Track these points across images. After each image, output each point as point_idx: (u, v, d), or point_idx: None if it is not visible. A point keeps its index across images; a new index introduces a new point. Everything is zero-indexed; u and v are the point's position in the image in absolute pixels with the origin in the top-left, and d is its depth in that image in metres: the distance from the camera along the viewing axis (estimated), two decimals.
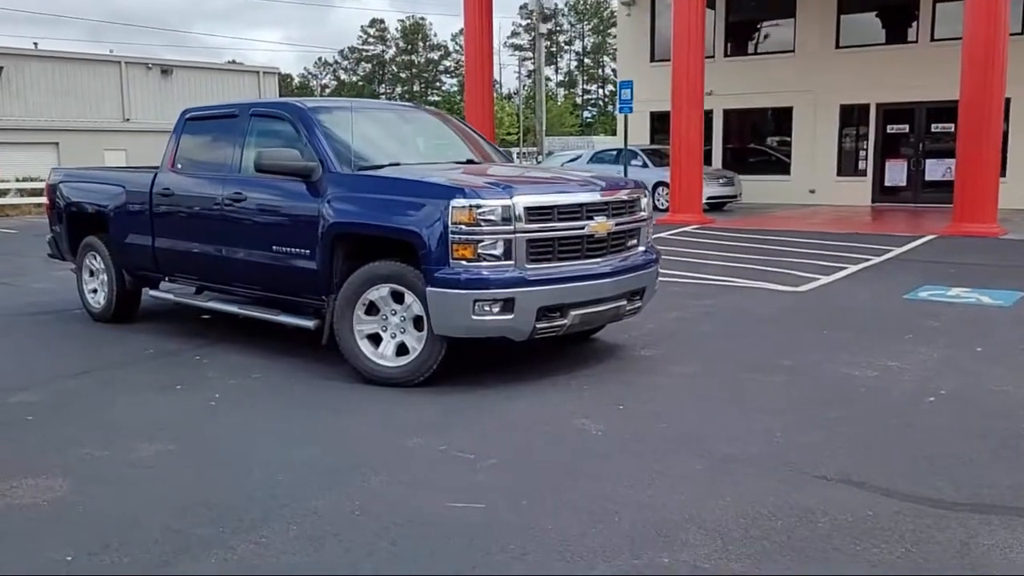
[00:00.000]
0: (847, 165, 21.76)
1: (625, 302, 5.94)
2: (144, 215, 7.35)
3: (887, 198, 21.19)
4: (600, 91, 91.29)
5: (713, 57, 21.98)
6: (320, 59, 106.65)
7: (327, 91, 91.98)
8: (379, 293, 5.59)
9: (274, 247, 6.23)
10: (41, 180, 29.67)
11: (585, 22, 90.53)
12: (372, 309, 5.67)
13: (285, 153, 6.00)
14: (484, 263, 5.22)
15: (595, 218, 5.65)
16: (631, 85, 18.48)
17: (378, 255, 5.70)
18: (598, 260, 5.72)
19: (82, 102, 36.88)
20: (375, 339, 5.69)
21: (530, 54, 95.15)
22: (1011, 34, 14.74)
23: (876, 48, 20.99)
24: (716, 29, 22.45)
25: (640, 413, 5.02)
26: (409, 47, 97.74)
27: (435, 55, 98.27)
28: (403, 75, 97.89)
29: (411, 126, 7.26)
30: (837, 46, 21.40)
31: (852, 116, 21.63)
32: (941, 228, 14.89)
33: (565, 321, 5.53)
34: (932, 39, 20.13)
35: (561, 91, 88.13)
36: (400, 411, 5.10)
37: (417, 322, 5.53)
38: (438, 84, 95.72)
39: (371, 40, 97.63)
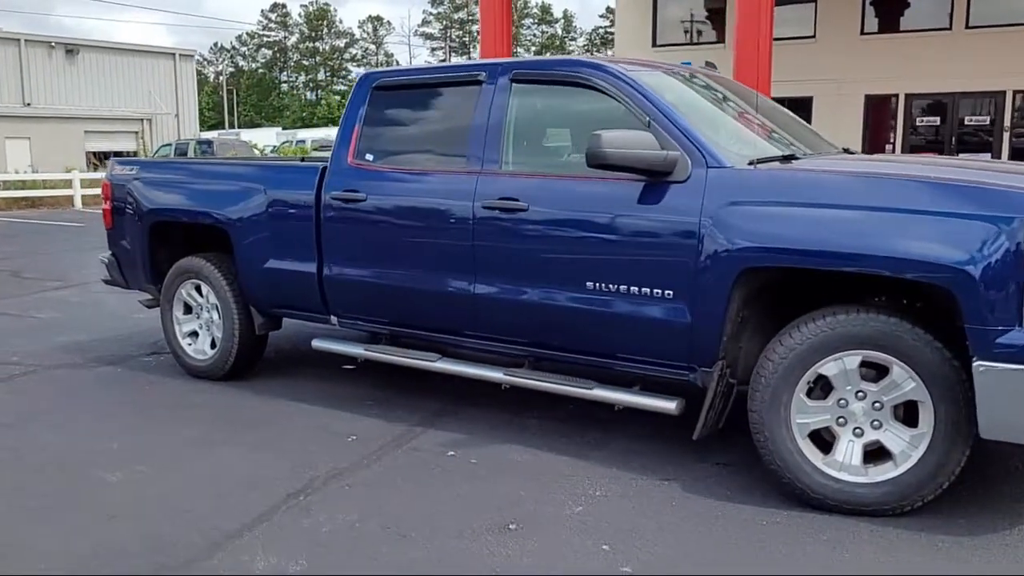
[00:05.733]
0: None
1: None
2: (303, 230, 4.91)
3: None
4: None
5: (723, 43, 20.36)
6: (216, 44, 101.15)
7: (222, 78, 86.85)
8: (841, 365, 3.42)
9: (589, 283, 3.99)
10: None
11: None
12: (813, 389, 3.53)
13: (639, 139, 3.74)
14: None
15: None
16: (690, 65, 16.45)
17: (803, 301, 3.58)
18: None
19: None
20: (817, 437, 3.56)
21: (441, 44, 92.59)
22: None
23: (906, 35, 19.69)
24: (728, 12, 20.74)
25: None
26: (313, 34, 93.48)
27: (341, 42, 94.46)
28: (306, 63, 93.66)
29: (739, 101, 4.99)
30: (862, 32, 20.01)
31: (878, 107, 20.30)
32: None
33: None
34: (967, 26, 18.94)
35: None
36: None
37: (899, 411, 3.43)
38: (344, 72, 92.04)
39: (272, 25, 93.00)
